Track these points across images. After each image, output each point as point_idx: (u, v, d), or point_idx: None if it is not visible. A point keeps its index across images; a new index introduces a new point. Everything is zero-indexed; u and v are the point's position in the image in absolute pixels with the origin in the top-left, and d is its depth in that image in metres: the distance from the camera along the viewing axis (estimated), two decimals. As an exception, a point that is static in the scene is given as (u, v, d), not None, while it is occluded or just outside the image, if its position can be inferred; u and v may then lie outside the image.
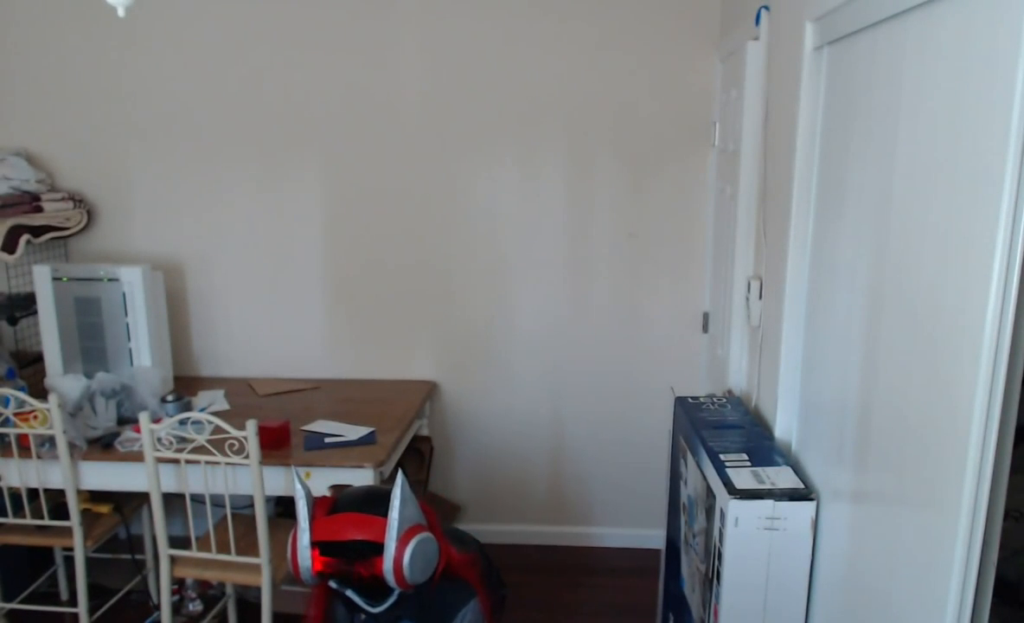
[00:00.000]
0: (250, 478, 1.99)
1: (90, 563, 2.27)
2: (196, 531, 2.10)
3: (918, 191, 1.06)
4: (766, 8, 1.83)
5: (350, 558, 1.47)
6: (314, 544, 1.47)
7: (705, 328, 2.69)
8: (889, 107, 1.16)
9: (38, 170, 2.65)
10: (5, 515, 2.23)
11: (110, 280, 2.40)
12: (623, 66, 2.58)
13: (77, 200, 2.69)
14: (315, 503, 1.52)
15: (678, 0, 2.53)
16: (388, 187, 2.70)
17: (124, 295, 2.41)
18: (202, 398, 2.53)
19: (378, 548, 1.46)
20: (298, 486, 1.51)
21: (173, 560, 2.10)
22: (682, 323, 2.72)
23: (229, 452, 1.96)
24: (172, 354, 2.69)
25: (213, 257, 2.78)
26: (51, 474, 2.16)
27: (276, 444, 2.12)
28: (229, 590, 2.44)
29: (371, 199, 2.72)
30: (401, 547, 1.47)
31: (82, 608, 2.23)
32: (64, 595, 2.60)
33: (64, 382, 2.31)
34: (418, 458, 2.69)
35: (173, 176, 2.73)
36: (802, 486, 1.40)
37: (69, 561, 2.52)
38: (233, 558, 2.04)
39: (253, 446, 1.94)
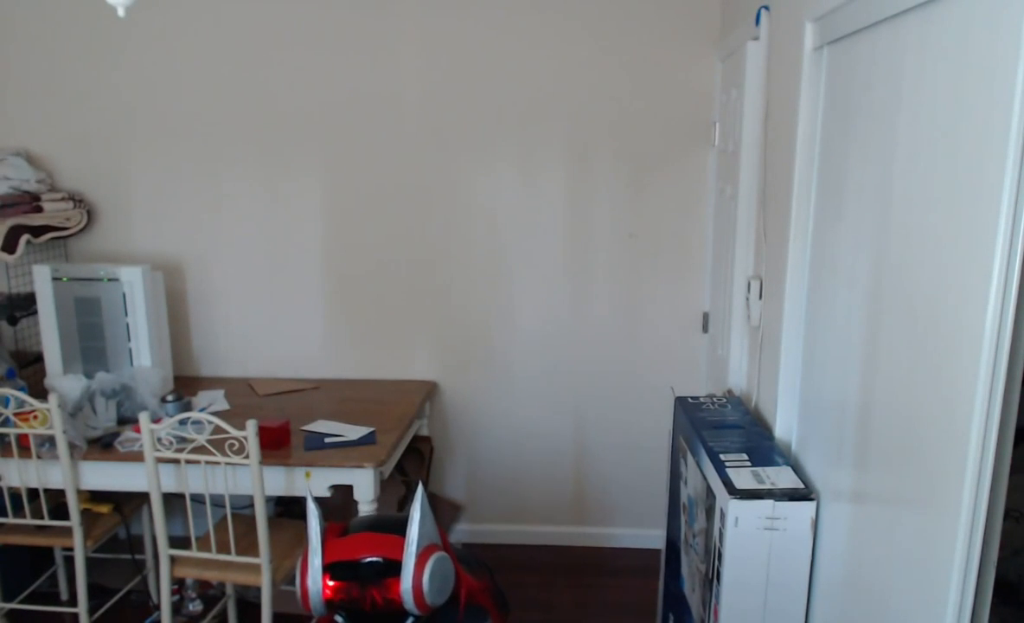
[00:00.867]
0: (250, 478, 1.99)
1: (90, 563, 2.27)
2: (196, 531, 2.10)
3: (918, 191, 1.06)
4: (766, 8, 1.83)
5: (364, 582, 1.41)
6: (325, 569, 1.41)
7: (705, 328, 2.69)
8: (889, 107, 1.16)
9: (38, 170, 2.65)
10: (5, 515, 2.23)
11: (110, 280, 2.40)
12: (623, 66, 2.58)
13: (77, 200, 2.69)
14: (327, 528, 1.46)
15: (678, 0, 2.53)
16: (388, 187, 2.70)
17: (124, 295, 2.41)
18: (202, 398, 2.53)
19: (394, 569, 1.40)
20: (311, 506, 1.46)
21: (173, 560, 2.10)
22: (682, 323, 2.72)
23: (229, 452, 1.96)
24: (172, 354, 2.69)
25: (213, 257, 2.78)
26: (51, 474, 2.16)
27: (276, 444, 2.12)
28: (229, 590, 2.44)
29: (371, 199, 2.72)
30: (420, 566, 1.40)
31: (82, 608, 2.23)
32: (64, 595, 2.60)
33: (64, 382, 2.31)
34: (418, 458, 2.69)
35: (173, 176, 2.73)
36: (802, 486, 1.40)
37: (69, 561, 2.52)
38: (233, 558, 2.04)
39: (253, 446, 1.94)
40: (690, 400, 1.91)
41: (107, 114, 2.70)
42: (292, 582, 2.30)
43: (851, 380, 1.29)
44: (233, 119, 2.68)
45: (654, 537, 2.88)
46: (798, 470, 1.49)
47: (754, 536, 1.37)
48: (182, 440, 2.01)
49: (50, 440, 2.11)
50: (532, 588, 2.67)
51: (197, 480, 2.05)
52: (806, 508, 1.37)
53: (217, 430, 1.97)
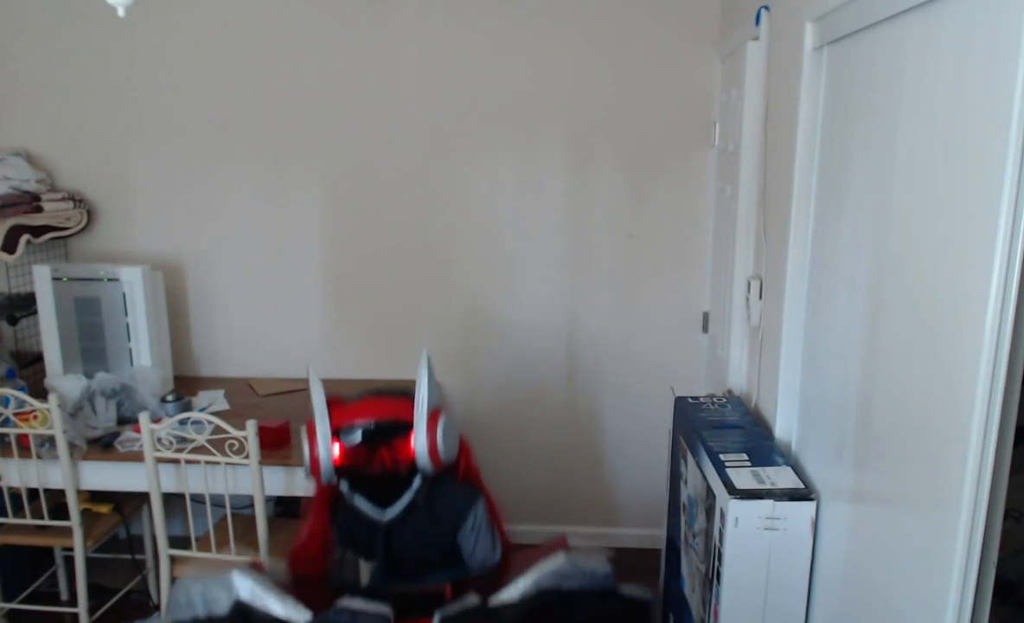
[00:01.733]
0: (250, 478, 1.99)
1: (90, 563, 2.27)
2: (196, 531, 2.10)
3: (918, 191, 1.06)
4: (766, 8, 1.83)
5: (373, 444, 1.42)
6: (334, 433, 1.42)
7: (705, 328, 2.69)
8: (889, 107, 1.16)
9: (38, 170, 2.65)
10: (5, 515, 2.23)
11: (110, 280, 2.40)
12: (623, 67, 2.58)
13: (77, 200, 2.69)
14: (329, 399, 1.47)
15: (678, 0, 2.53)
16: (388, 189, 2.70)
17: (124, 295, 2.41)
18: (202, 398, 2.53)
19: (402, 429, 1.42)
20: (313, 375, 1.47)
21: (173, 560, 2.10)
22: (682, 323, 2.72)
23: (229, 452, 1.96)
24: (172, 354, 2.69)
25: (213, 257, 2.78)
26: (51, 474, 2.15)
27: (276, 444, 2.12)
28: (229, 590, 2.44)
29: (371, 200, 2.71)
30: (432, 424, 1.43)
31: (82, 608, 2.23)
32: (64, 595, 2.60)
33: (64, 382, 2.31)
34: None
35: (173, 176, 2.73)
36: (802, 486, 1.40)
37: (69, 561, 2.52)
38: (233, 558, 2.04)
39: (253, 446, 1.94)
40: (690, 400, 1.91)
41: (107, 114, 2.70)
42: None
43: (851, 380, 1.29)
44: (233, 119, 2.68)
45: (654, 537, 2.88)
46: (798, 470, 1.49)
47: (754, 536, 1.37)
48: (182, 440, 2.01)
49: (50, 440, 2.11)
50: (532, 588, 2.67)
51: (197, 480, 2.05)
52: (806, 508, 1.37)
53: (217, 430, 1.97)
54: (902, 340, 1.10)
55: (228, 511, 2.03)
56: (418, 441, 1.43)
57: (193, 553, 2.08)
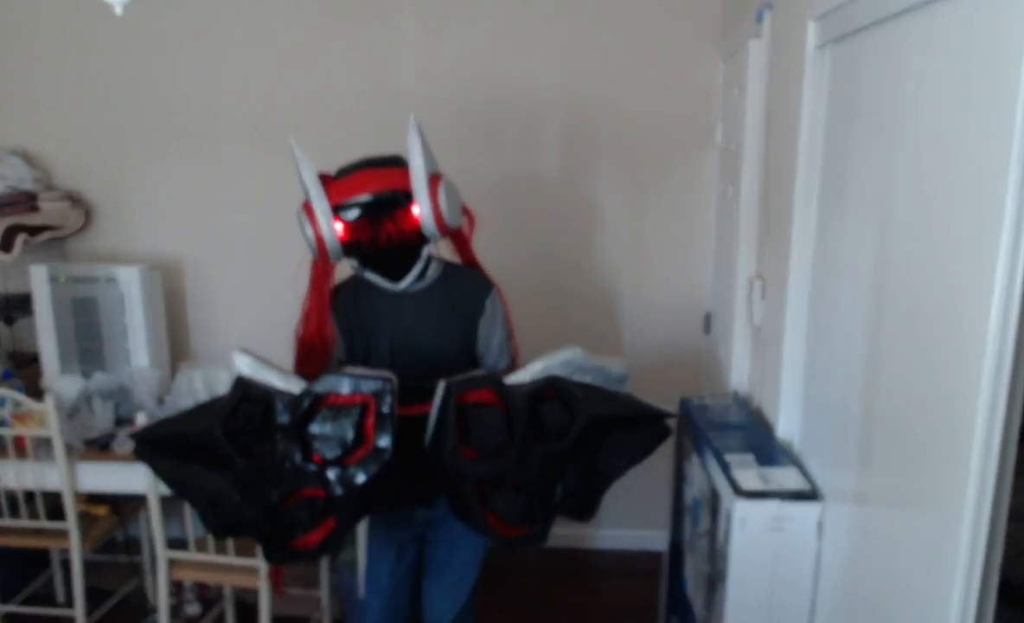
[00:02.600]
0: (249, 479, 1.97)
1: (87, 565, 2.25)
2: (194, 533, 2.09)
3: (921, 190, 1.06)
4: (768, 7, 1.83)
5: (377, 217, 1.38)
6: (334, 210, 1.38)
7: (707, 328, 2.68)
8: (892, 106, 1.16)
9: (35, 169, 2.64)
10: (1, 517, 2.21)
11: (108, 280, 2.39)
12: (624, 65, 2.57)
13: (75, 200, 2.68)
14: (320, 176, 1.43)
15: (680, 0, 2.52)
16: (387, 187, 2.69)
17: (122, 295, 2.39)
18: (200, 399, 2.52)
19: (403, 200, 1.37)
20: (298, 150, 1.42)
21: (171, 562, 2.09)
22: (684, 323, 2.71)
23: (228, 453, 1.94)
24: (170, 354, 2.67)
25: (212, 257, 2.77)
26: (48, 475, 2.14)
27: (275, 445, 2.11)
28: (227, 593, 2.42)
29: (370, 199, 2.70)
30: (433, 187, 1.40)
31: (79, 611, 2.21)
32: (61, 597, 2.58)
33: (61, 383, 2.30)
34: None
35: (172, 176, 2.72)
36: (808, 487, 1.40)
37: (66, 563, 2.50)
38: (231, 560, 2.02)
39: (252, 447, 1.92)
40: (694, 401, 1.90)
41: (105, 113, 2.69)
42: (291, 583, 2.29)
43: (854, 381, 1.29)
44: (233, 119, 2.67)
45: (657, 539, 2.87)
46: (801, 471, 1.48)
47: (760, 537, 1.36)
48: (180, 441, 2.00)
49: (47, 441, 2.10)
50: (534, 590, 2.66)
51: (195, 481, 2.04)
52: (812, 509, 1.36)
53: (216, 431, 1.95)
54: (905, 340, 1.10)
55: (226, 513, 2.02)
56: (422, 209, 1.39)
57: (191, 555, 2.07)
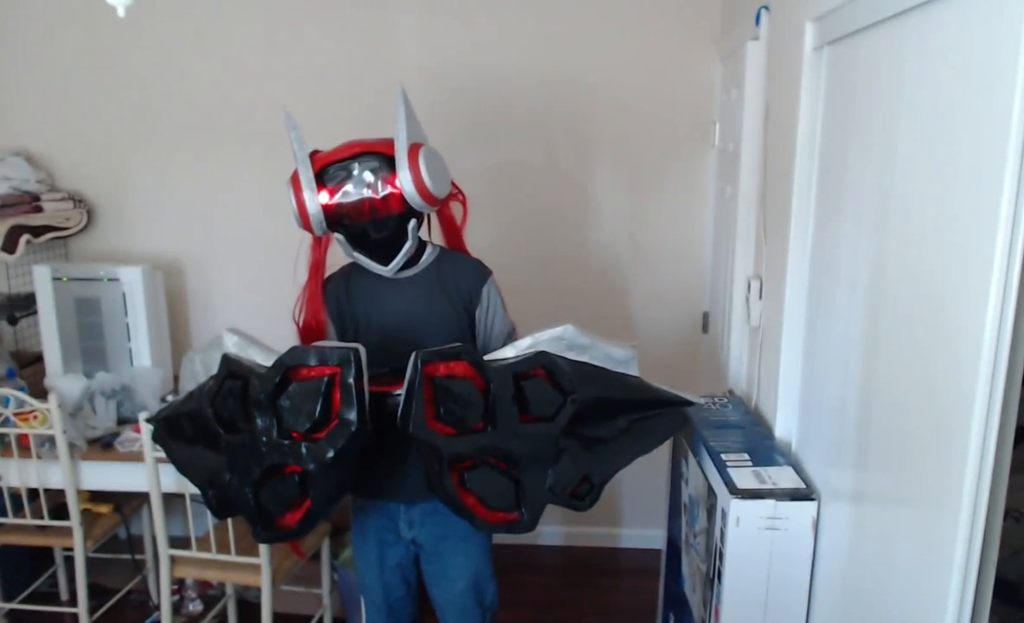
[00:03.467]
0: (250, 478, 1.98)
1: (90, 563, 2.27)
2: (196, 531, 2.10)
3: (918, 191, 1.06)
4: (766, 8, 1.83)
5: (358, 179, 1.37)
6: (318, 178, 1.38)
7: (705, 328, 2.69)
8: (889, 107, 1.16)
9: (38, 170, 2.65)
10: (5, 515, 2.22)
11: (110, 280, 2.40)
12: (623, 66, 2.58)
13: (77, 200, 2.69)
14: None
15: (678, 0, 2.53)
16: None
17: (124, 295, 2.40)
18: (202, 398, 2.53)
19: (385, 166, 1.37)
20: (289, 118, 1.45)
21: (173, 560, 2.10)
22: (682, 323, 2.72)
23: (229, 452, 1.95)
24: (172, 354, 2.69)
25: (213, 257, 2.78)
26: (51, 474, 2.15)
27: (276, 444, 2.12)
28: (229, 590, 2.44)
29: (371, 199, 2.71)
30: (414, 156, 1.38)
31: (82, 608, 2.23)
32: (64, 595, 2.60)
33: (64, 382, 2.31)
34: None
35: (173, 176, 2.73)
36: (803, 486, 1.41)
37: (69, 561, 2.52)
38: (233, 558, 2.04)
39: (253, 446, 1.93)
40: (691, 400, 1.90)
41: (107, 114, 2.70)
42: (292, 581, 2.30)
43: (851, 380, 1.29)
44: (234, 119, 2.68)
45: (654, 537, 2.88)
46: (798, 470, 1.49)
47: (755, 536, 1.37)
48: (182, 440, 2.01)
49: (50, 440, 2.11)
50: (532, 588, 2.67)
51: (197, 480, 2.05)
52: (807, 508, 1.37)
53: (217, 430, 1.96)
54: (902, 340, 1.10)
55: (228, 511, 2.03)
56: (402, 175, 1.37)
57: (193, 553, 2.08)
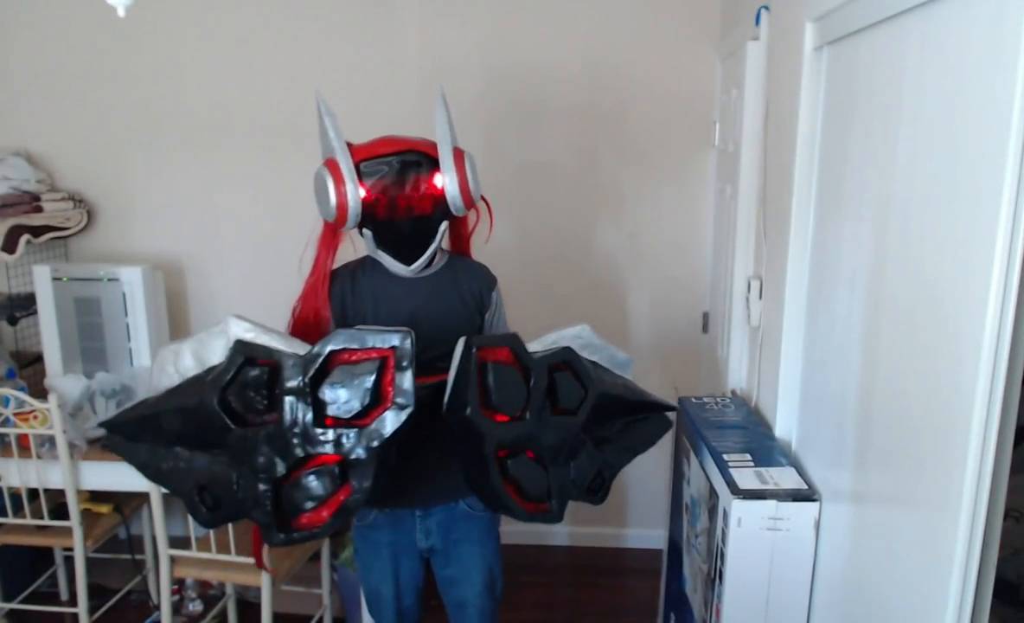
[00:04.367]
0: (250, 478, 1.98)
1: (90, 563, 2.27)
2: (196, 531, 2.10)
3: (918, 191, 1.06)
4: (766, 8, 1.84)
5: (400, 179, 1.34)
6: (356, 168, 1.34)
7: (705, 328, 2.69)
8: (889, 107, 1.16)
9: (38, 170, 2.65)
10: (5, 515, 2.23)
11: (110, 280, 2.40)
12: (623, 66, 2.58)
13: (77, 200, 2.69)
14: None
15: (678, 0, 2.53)
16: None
17: (124, 295, 2.40)
18: (202, 398, 2.53)
19: (425, 165, 1.36)
20: (323, 103, 1.38)
21: (173, 560, 2.10)
22: (682, 323, 2.72)
23: (229, 452, 1.95)
24: (172, 354, 2.69)
25: (213, 257, 2.78)
26: (51, 474, 2.15)
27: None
28: (229, 590, 2.44)
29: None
30: (460, 159, 1.38)
31: (82, 608, 2.23)
32: (64, 595, 2.60)
33: (64, 382, 2.31)
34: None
35: (173, 176, 2.73)
36: (805, 487, 1.41)
37: (69, 561, 2.52)
38: (233, 558, 2.04)
39: (253, 446, 1.93)
40: (693, 400, 1.91)
41: (107, 114, 2.70)
42: (291, 581, 2.30)
43: (851, 380, 1.29)
44: (234, 119, 2.68)
45: (656, 537, 2.88)
46: (799, 470, 1.49)
47: (757, 536, 1.37)
48: (182, 440, 2.01)
49: (50, 440, 2.11)
50: (533, 588, 2.67)
51: (197, 480, 2.05)
52: (809, 509, 1.37)
53: (217, 430, 1.96)
54: (902, 340, 1.10)
55: (228, 511, 2.03)
56: (448, 177, 1.36)
57: (193, 553, 2.08)
